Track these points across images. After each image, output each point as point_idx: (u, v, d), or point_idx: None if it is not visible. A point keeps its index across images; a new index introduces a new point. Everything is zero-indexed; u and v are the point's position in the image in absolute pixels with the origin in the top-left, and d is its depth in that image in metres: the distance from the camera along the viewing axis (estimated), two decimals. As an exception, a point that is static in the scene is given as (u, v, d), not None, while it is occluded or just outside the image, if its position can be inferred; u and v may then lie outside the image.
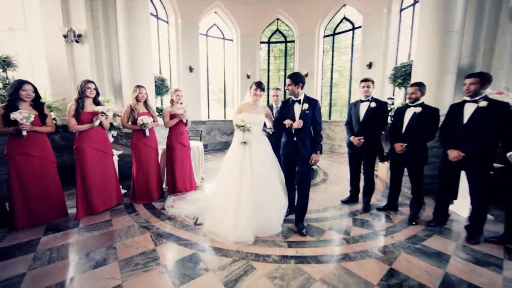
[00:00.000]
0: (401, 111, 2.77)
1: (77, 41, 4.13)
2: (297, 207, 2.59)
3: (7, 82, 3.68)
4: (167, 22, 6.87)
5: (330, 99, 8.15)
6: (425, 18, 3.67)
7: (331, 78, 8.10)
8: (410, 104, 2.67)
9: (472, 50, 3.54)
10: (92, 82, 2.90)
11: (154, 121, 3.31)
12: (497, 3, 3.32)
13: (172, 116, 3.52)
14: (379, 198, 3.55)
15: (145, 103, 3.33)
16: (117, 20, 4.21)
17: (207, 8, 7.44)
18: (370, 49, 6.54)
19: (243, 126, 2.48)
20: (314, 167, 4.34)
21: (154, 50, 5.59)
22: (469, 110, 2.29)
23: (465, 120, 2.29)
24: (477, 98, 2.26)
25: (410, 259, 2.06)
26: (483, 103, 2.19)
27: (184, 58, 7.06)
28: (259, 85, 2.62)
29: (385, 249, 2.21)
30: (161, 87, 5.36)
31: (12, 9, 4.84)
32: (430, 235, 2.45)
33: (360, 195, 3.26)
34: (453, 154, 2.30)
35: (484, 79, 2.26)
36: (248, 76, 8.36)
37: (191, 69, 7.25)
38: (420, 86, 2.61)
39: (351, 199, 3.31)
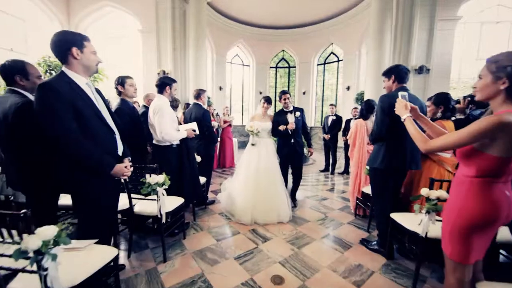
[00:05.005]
0: (349, 120, 5.46)
1: (164, 76, 6.91)
2: (293, 187, 3.50)
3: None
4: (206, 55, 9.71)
5: (322, 110, 10.88)
6: (369, 66, 6.42)
7: (323, 95, 10.86)
8: (353, 118, 5.36)
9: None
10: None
11: (218, 125, 6.03)
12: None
13: (225, 122, 6.23)
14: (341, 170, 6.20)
15: (212, 114, 6.05)
16: (189, 63, 7.02)
17: (232, 44, 10.30)
18: (348, 77, 9.29)
19: (252, 131, 3.15)
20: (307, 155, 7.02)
21: (201, 78, 8.38)
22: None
23: (372, 125, 4.98)
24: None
25: (345, 187, 4.72)
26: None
27: (216, 80, 9.87)
28: (266, 99, 3.30)
29: (335, 183, 4.88)
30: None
31: (124, 55, 7.72)
32: (358, 181, 5.10)
33: (330, 167, 5.91)
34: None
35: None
36: (261, 93, 11.11)
37: (220, 88, 10.04)
38: (358, 108, 5.32)
39: (325, 169, 5.98)
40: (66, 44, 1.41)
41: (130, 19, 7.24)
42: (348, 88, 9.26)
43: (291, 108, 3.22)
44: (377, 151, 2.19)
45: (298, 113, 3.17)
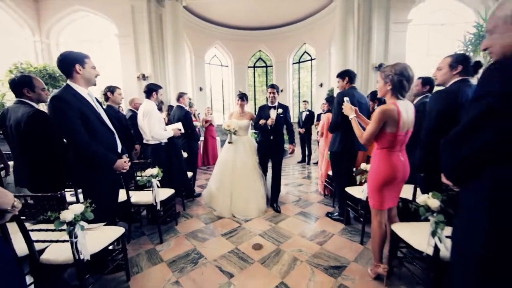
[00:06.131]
0: (320, 114, 6.04)
1: (144, 79, 7.04)
2: (272, 192, 3.25)
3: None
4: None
5: (299, 107, 11.51)
6: (336, 63, 7.06)
7: (299, 92, 11.49)
8: (323, 112, 5.95)
9: (360, 84, 6.92)
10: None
11: (200, 125, 6.33)
12: (367, 61, 6.76)
13: (206, 121, 6.55)
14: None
15: (194, 115, 6.34)
16: (168, 65, 7.20)
17: (210, 45, 10.52)
18: (321, 74, 9.97)
19: (229, 130, 3.13)
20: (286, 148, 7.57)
21: (180, 79, 8.56)
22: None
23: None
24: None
25: (316, 174, 5.28)
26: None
27: (196, 81, 10.06)
28: (240, 96, 3.29)
29: (311, 172, 5.43)
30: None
31: (97, 55, 7.67)
32: (330, 168, 5.73)
33: (306, 158, 6.48)
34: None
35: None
36: (240, 92, 11.47)
37: (200, 89, 10.25)
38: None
39: (302, 160, 6.54)
40: (70, 61, 1.71)
41: (105, 23, 7.22)
42: (321, 85, 9.94)
43: (276, 104, 3.13)
44: (335, 138, 2.71)
45: (280, 110, 3.07)
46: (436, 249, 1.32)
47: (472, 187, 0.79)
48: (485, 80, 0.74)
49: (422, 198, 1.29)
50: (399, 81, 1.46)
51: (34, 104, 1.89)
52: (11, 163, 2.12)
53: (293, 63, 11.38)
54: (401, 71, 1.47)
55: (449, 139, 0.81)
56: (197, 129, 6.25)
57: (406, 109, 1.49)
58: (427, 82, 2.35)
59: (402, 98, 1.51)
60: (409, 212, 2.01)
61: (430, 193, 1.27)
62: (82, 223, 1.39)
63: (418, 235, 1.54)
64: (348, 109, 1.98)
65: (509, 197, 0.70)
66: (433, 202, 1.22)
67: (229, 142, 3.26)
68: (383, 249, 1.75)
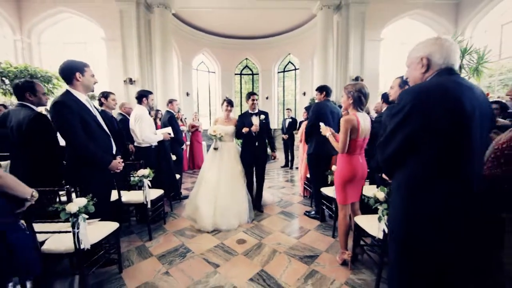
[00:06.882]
0: (301, 122, 6.44)
1: (131, 83, 7.08)
2: (256, 195, 3.35)
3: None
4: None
5: (283, 114, 11.97)
6: (317, 74, 7.57)
7: (283, 99, 11.98)
8: (303, 120, 6.35)
9: (340, 94, 7.46)
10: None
11: (187, 129, 6.47)
12: (344, 73, 7.34)
13: (193, 126, 6.71)
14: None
15: (181, 120, 6.48)
16: (156, 70, 7.30)
17: (198, 52, 10.74)
18: (304, 83, 10.53)
19: (215, 136, 3.10)
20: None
21: (168, 84, 8.66)
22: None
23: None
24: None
25: (298, 178, 5.63)
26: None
27: (183, 87, 10.18)
28: (229, 102, 3.28)
29: (293, 175, 5.76)
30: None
31: (81, 57, 7.57)
32: (311, 172, 6.10)
33: (289, 163, 6.83)
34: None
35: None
36: (227, 97, 11.72)
37: (187, 94, 10.38)
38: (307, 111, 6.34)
39: (285, 165, 6.88)
40: (71, 70, 1.89)
41: (91, 25, 7.22)
42: (304, 94, 10.47)
43: (257, 111, 3.20)
44: (311, 142, 3.05)
45: (262, 116, 3.17)
46: (384, 233, 1.64)
47: (394, 178, 1.11)
48: (399, 101, 1.06)
49: (372, 192, 1.62)
50: (358, 96, 1.82)
51: (34, 107, 2.02)
52: (4, 163, 2.20)
53: (278, 72, 11.89)
54: (360, 89, 1.82)
55: (379, 144, 1.13)
56: (183, 134, 6.41)
57: (364, 120, 1.84)
58: (382, 96, 2.79)
59: (360, 110, 1.86)
60: (370, 207, 2.37)
61: (379, 187, 1.59)
62: (84, 215, 1.55)
63: (374, 225, 1.86)
64: (324, 129, 2.32)
65: (414, 184, 1.01)
66: (380, 194, 1.55)
67: (215, 148, 3.21)
68: (348, 238, 2.06)
